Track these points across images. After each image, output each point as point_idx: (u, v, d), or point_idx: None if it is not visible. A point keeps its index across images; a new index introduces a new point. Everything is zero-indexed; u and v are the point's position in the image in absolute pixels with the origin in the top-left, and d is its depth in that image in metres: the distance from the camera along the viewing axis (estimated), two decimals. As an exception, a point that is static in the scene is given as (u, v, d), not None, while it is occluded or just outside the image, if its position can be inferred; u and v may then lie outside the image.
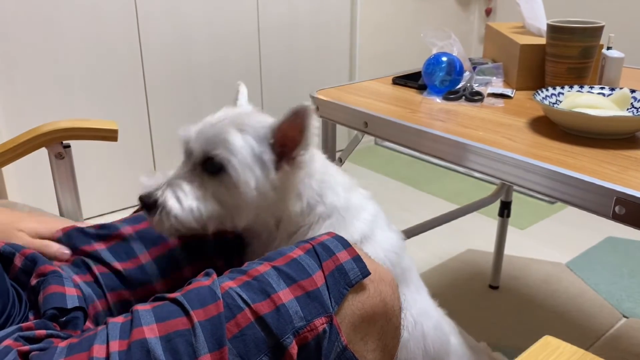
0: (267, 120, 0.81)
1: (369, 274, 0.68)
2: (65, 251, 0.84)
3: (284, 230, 0.84)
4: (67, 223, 0.89)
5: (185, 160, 0.80)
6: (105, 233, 0.86)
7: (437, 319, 0.99)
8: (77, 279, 0.80)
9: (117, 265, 0.83)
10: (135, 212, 0.87)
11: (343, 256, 0.68)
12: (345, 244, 0.70)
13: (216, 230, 0.80)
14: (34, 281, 0.75)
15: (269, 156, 0.78)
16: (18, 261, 0.78)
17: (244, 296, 0.62)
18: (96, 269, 0.82)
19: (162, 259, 0.85)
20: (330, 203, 0.85)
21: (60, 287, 0.74)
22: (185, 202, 0.77)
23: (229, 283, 0.64)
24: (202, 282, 0.65)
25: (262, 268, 0.66)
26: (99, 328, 0.62)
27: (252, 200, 0.78)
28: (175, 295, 0.64)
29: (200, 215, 0.77)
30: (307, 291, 0.64)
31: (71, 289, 0.75)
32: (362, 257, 0.69)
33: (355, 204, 0.89)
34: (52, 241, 0.85)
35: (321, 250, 0.68)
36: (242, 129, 0.78)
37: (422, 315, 0.94)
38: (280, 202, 0.81)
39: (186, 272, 0.86)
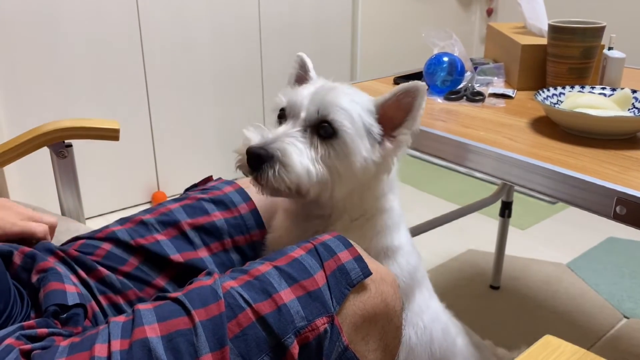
0: (367, 96, 0.81)
1: (371, 273, 0.68)
2: (46, 232, 0.86)
3: (348, 215, 0.83)
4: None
5: (291, 122, 0.77)
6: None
7: (446, 323, 1.00)
8: (74, 278, 0.80)
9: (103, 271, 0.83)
10: (237, 168, 0.81)
11: (344, 256, 0.68)
12: (346, 243, 0.70)
13: (313, 197, 0.77)
14: (34, 278, 0.76)
15: (376, 129, 0.78)
16: (17, 259, 0.78)
17: (246, 296, 0.62)
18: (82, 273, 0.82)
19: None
20: (390, 200, 0.87)
21: (60, 284, 0.74)
22: (303, 160, 0.75)
23: (230, 283, 0.64)
24: (203, 281, 0.65)
25: (263, 268, 0.66)
26: (101, 327, 0.62)
27: (357, 170, 0.77)
28: (177, 294, 0.64)
29: (312, 176, 0.75)
30: (308, 291, 0.64)
31: (71, 286, 0.75)
32: (363, 256, 0.69)
33: (399, 209, 0.90)
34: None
35: (322, 250, 0.68)
36: (353, 99, 0.78)
37: (434, 320, 0.94)
38: (372, 180, 0.81)
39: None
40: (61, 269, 0.79)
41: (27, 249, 0.80)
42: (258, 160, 0.74)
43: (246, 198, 0.92)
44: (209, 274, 0.67)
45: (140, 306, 0.63)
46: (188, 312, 0.61)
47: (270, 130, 0.77)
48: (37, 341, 0.63)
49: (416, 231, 1.70)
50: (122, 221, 0.89)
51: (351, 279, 0.67)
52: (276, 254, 0.69)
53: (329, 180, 0.77)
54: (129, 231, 0.86)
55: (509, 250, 1.99)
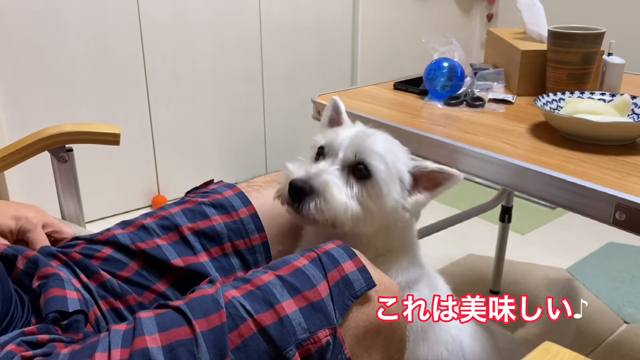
0: (405, 150, 0.89)
1: (375, 285, 0.67)
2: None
3: (374, 249, 0.86)
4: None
5: (330, 160, 0.84)
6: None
7: (472, 327, 1.01)
8: (76, 283, 0.80)
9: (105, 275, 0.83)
10: (276, 197, 0.84)
11: (348, 266, 0.68)
12: (350, 253, 0.70)
13: (345, 230, 0.82)
14: (35, 284, 0.75)
15: (407, 179, 0.86)
16: (20, 264, 0.78)
17: (247, 306, 0.62)
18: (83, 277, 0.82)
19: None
20: (414, 239, 0.95)
21: (61, 291, 0.74)
22: (341, 196, 0.80)
23: (232, 292, 0.64)
24: (205, 290, 0.65)
25: (266, 277, 0.66)
26: (102, 335, 0.62)
27: (387, 210, 0.84)
28: (178, 303, 0.63)
29: (347, 211, 0.80)
30: (311, 302, 0.63)
31: (72, 292, 0.75)
32: (367, 267, 0.69)
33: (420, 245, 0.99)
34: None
35: (326, 260, 0.68)
36: (389, 147, 0.85)
37: (460, 329, 0.96)
38: (398, 222, 0.87)
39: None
40: (64, 273, 0.79)
41: (30, 253, 0.80)
42: (300, 193, 0.79)
43: (246, 202, 0.92)
44: (212, 282, 0.67)
45: (142, 314, 0.63)
46: (189, 322, 0.60)
47: (312, 165, 0.84)
48: (38, 347, 0.63)
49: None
50: (123, 225, 0.89)
51: (355, 291, 0.66)
52: (279, 263, 0.69)
53: (362, 216, 0.82)
54: (130, 235, 0.86)
55: (509, 255, 1.99)
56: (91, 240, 0.87)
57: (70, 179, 1.18)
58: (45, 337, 0.65)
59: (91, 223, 2.40)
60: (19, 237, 0.88)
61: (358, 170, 0.82)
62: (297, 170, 0.81)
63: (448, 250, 2.22)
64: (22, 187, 2.23)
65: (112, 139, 1.18)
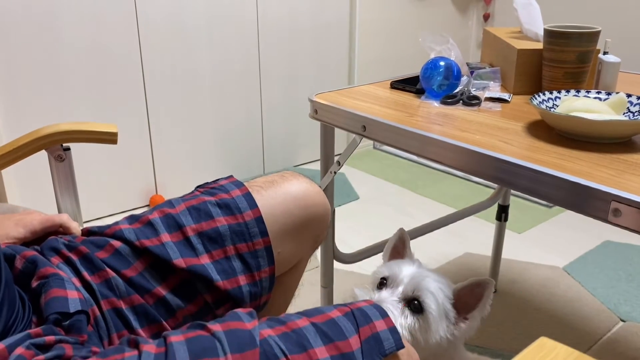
0: (449, 282, 1.00)
1: (403, 347, 0.69)
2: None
3: None
4: (43, 219, 0.89)
5: (390, 290, 0.97)
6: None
7: None
8: (76, 282, 0.80)
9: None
10: None
11: (380, 325, 0.69)
12: (382, 313, 0.71)
13: None
14: (34, 283, 0.75)
15: (452, 314, 0.97)
16: (19, 263, 0.78)
17: (282, 346, 0.63)
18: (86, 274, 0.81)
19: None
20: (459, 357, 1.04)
21: (62, 291, 0.73)
22: (396, 325, 0.86)
23: (268, 331, 0.65)
24: (244, 323, 0.65)
25: (301, 322, 0.67)
26: (128, 354, 0.62)
27: (432, 343, 0.94)
28: (214, 328, 0.64)
29: None
30: (342, 352, 0.65)
31: (73, 292, 0.74)
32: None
33: None
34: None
35: (359, 315, 0.69)
36: (440, 288, 0.97)
37: None
38: (444, 351, 0.97)
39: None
40: (64, 272, 0.79)
41: (29, 253, 0.79)
42: None
43: (252, 204, 0.90)
44: (251, 315, 0.68)
45: (173, 338, 0.63)
46: (223, 352, 0.61)
47: (375, 292, 0.97)
48: (46, 349, 0.63)
49: (413, 234, 1.71)
50: (131, 220, 0.89)
51: (384, 349, 0.67)
52: (313, 311, 0.71)
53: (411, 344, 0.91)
54: (136, 231, 0.85)
55: (505, 254, 2.00)
56: (100, 232, 0.87)
57: (67, 178, 1.18)
58: (51, 338, 0.65)
59: (88, 222, 2.40)
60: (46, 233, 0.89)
61: (413, 305, 0.94)
62: (363, 296, 0.96)
63: (445, 249, 2.22)
64: (19, 186, 2.22)
65: (109, 138, 1.18)
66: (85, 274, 0.80)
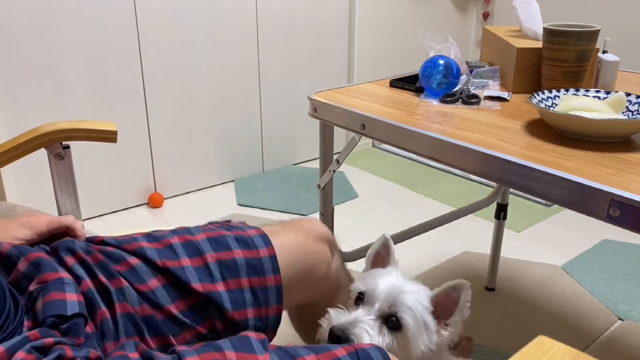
0: (427, 290, 0.97)
1: None
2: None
3: None
4: (52, 221, 0.90)
5: (367, 308, 0.94)
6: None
7: None
8: (89, 283, 0.80)
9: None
10: (317, 341, 0.93)
11: None
12: (385, 356, 0.75)
13: None
14: (32, 287, 0.75)
15: (432, 324, 0.94)
16: (22, 266, 0.78)
17: None
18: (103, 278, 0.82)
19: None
20: None
21: (60, 294, 0.73)
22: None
23: None
24: (257, 356, 0.68)
25: (309, 358, 0.70)
26: None
27: (414, 357, 0.93)
28: (229, 356, 0.66)
29: None
30: None
31: (72, 294, 0.74)
32: None
33: None
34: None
35: (363, 356, 0.73)
36: (417, 299, 0.94)
37: None
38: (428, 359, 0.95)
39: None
40: (77, 272, 0.79)
41: (33, 255, 0.79)
42: (338, 340, 0.89)
43: (268, 243, 0.94)
44: (264, 345, 0.71)
45: (189, 358, 0.65)
46: None
47: (349, 312, 0.94)
48: (46, 351, 0.63)
49: (412, 233, 1.71)
50: (150, 239, 0.90)
51: None
52: (320, 348, 0.74)
53: None
54: (158, 251, 0.87)
55: (504, 252, 2.00)
56: (118, 246, 0.88)
57: (67, 176, 1.18)
58: (50, 340, 0.65)
59: (88, 220, 2.40)
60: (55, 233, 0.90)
61: (391, 322, 0.92)
62: (337, 317, 0.92)
63: (444, 247, 2.22)
64: (18, 184, 2.22)
65: (109, 136, 1.18)
66: (102, 276, 0.81)
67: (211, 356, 0.66)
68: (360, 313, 0.93)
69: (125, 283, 0.82)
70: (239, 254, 0.90)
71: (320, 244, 1.00)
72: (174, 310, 0.84)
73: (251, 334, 0.72)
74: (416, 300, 0.93)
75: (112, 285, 0.81)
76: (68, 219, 0.91)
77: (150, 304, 0.82)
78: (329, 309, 0.93)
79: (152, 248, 0.87)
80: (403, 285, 0.96)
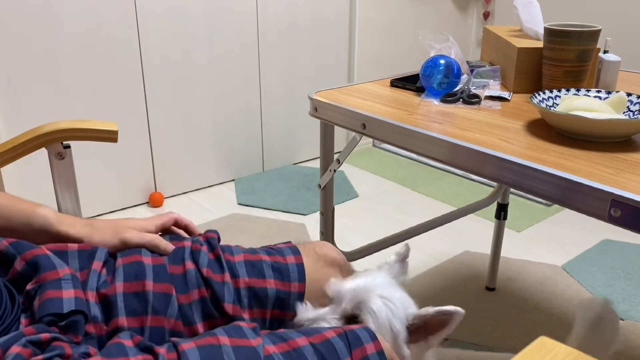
0: (409, 301, 0.92)
1: None
2: (171, 247, 0.90)
3: None
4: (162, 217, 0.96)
5: (333, 307, 0.91)
6: None
7: None
8: (120, 286, 0.81)
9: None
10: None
11: (370, 348, 0.74)
12: (373, 336, 0.76)
13: None
14: (29, 286, 0.75)
15: (403, 336, 0.89)
16: (18, 265, 0.78)
17: None
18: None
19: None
20: None
21: (57, 292, 0.73)
22: None
23: (272, 347, 0.69)
24: (249, 340, 0.69)
25: (300, 341, 0.72)
26: (142, 357, 0.64)
27: None
28: (222, 341, 0.68)
29: None
30: None
31: (69, 291, 0.74)
32: (385, 351, 0.75)
33: None
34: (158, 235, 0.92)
35: (352, 338, 0.74)
36: (388, 305, 0.89)
37: None
38: None
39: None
40: (93, 274, 0.80)
41: (29, 254, 0.79)
42: None
43: (302, 278, 0.94)
44: (255, 331, 0.72)
45: (185, 345, 0.66)
46: None
47: (317, 309, 0.91)
48: (42, 346, 0.63)
49: (412, 233, 1.71)
50: (210, 247, 0.92)
51: None
52: (311, 330, 0.75)
53: None
54: (209, 261, 0.89)
55: (504, 252, 2.00)
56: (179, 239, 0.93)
57: (68, 177, 1.18)
58: (46, 335, 0.65)
59: (87, 220, 2.40)
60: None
61: (354, 323, 0.88)
62: (303, 312, 0.90)
63: (444, 247, 2.22)
64: (18, 184, 2.22)
65: (109, 136, 1.18)
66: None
67: (206, 341, 0.67)
68: (325, 311, 0.90)
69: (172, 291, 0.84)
70: (271, 283, 0.91)
71: (331, 269, 0.99)
72: (201, 329, 0.84)
73: (243, 324, 0.73)
74: (384, 306, 0.89)
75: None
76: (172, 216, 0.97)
77: (184, 320, 0.83)
78: (297, 303, 0.91)
79: (207, 256, 0.89)
80: (375, 288, 0.91)
